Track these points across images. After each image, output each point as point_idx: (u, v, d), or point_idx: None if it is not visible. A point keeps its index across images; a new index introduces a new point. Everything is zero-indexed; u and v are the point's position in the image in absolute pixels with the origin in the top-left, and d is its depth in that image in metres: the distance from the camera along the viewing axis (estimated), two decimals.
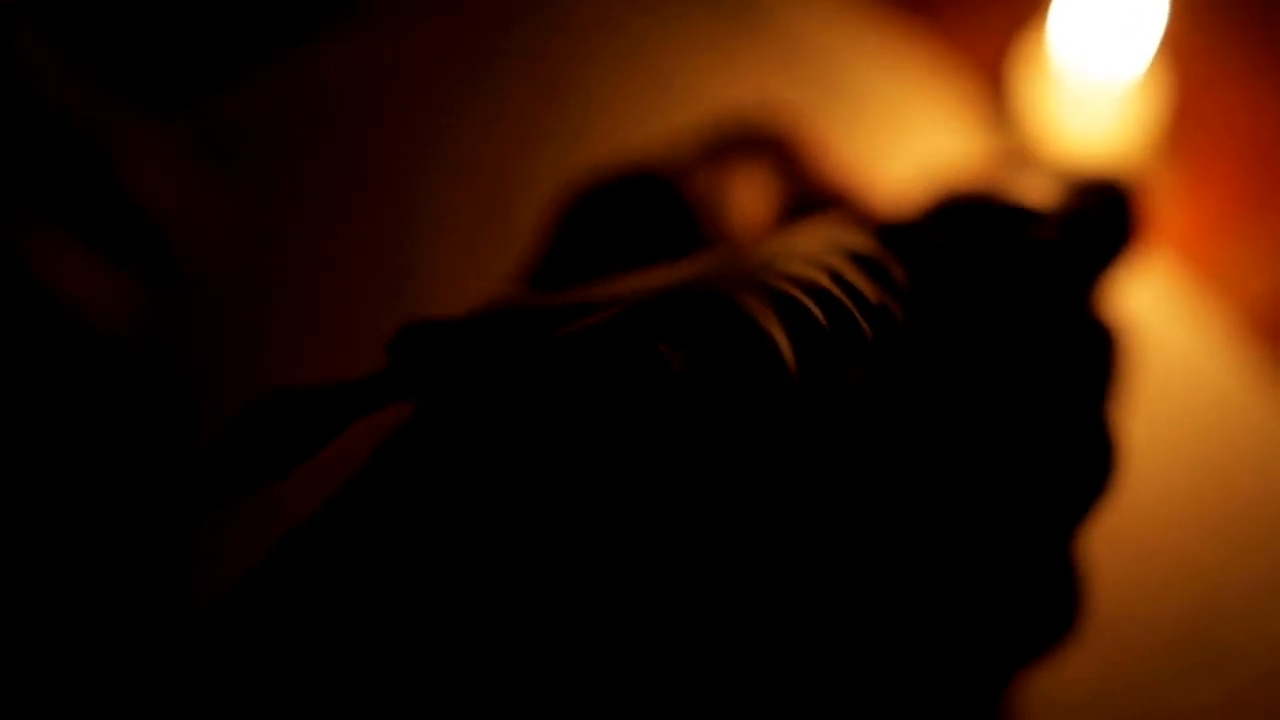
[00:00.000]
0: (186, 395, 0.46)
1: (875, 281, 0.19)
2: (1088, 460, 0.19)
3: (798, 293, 0.18)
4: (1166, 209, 0.47)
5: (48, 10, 0.51)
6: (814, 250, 0.19)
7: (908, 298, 0.19)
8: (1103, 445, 0.19)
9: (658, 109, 0.51)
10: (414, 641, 0.16)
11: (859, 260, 0.19)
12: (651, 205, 0.25)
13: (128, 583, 0.43)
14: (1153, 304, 0.44)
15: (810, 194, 0.27)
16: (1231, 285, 0.45)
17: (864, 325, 0.18)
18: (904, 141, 0.49)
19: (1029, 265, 0.20)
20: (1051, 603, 0.19)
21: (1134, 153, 0.47)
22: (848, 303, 0.18)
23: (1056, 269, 0.21)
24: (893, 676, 0.18)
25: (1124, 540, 0.38)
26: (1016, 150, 0.48)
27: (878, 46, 0.51)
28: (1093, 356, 0.21)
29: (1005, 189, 0.22)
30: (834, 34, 0.51)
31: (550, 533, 0.16)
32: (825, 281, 0.18)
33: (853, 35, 0.51)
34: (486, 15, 0.53)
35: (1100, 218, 0.22)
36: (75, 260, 0.47)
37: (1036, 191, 0.22)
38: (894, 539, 0.18)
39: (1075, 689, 0.35)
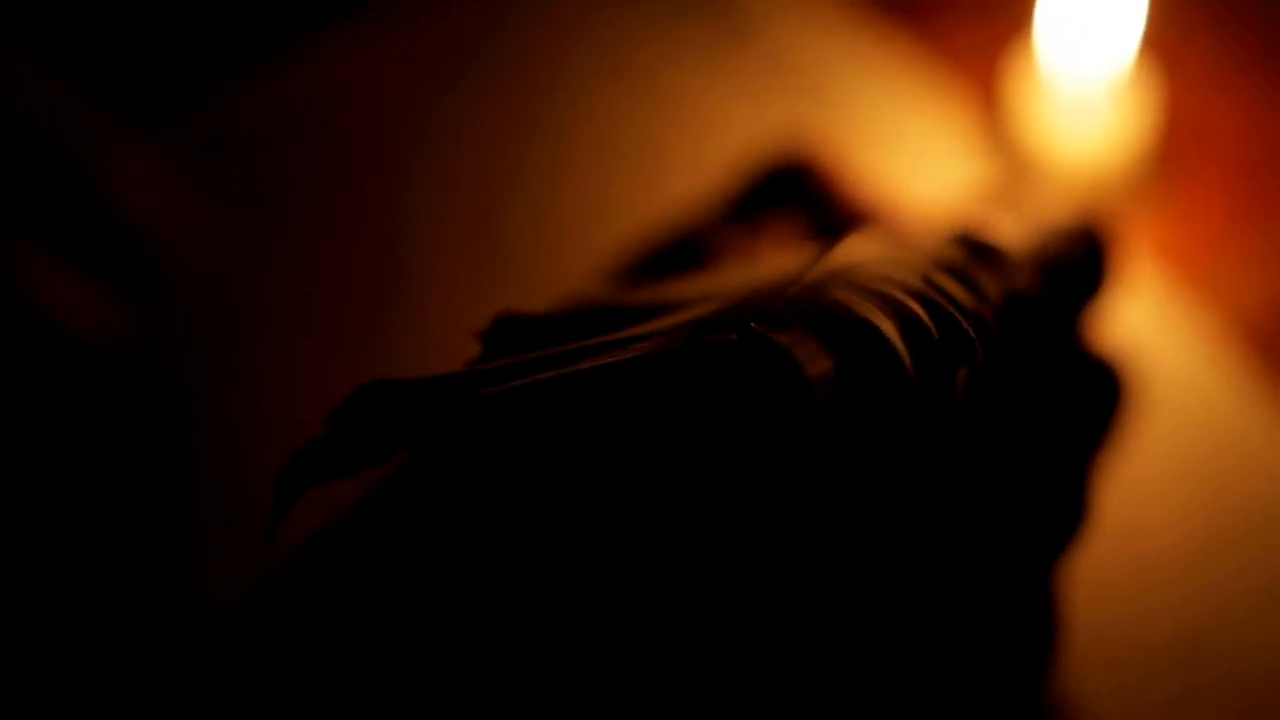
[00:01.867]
0: (177, 404, 0.46)
1: (969, 290, 0.18)
2: (1060, 508, 0.19)
3: (909, 300, 0.17)
4: (1157, 218, 0.47)
5: (32, 24, 0.50)
6: (906, 258, 0.19)
7: (996, 306, 0.19)
8: (1075, 496, 0.19)
9: (642, 110, 0.51)
10: (415, 650, 0.16)
11: (950, 270, 0.19)
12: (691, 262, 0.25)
13: (121, 586, 0.43)
14: (1143, 316, 0.44)
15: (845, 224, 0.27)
16: (1223, 295, 0.44)
17: (969, 331, 0.18)
18: (898, 154, 0.49)
19: (1016, 315, 0.20)
20: (1023, 630, 0.19)
21: (1123, 158, 0.47)
22: (953, 310, 0.18)
23: (1039, 317, 0.21)
24: (885, 698, 0.18)
25: (1117, 559, 0.38)
26: (1007, 170, 0.48)
27: (870, 58, 0.50)
28: (1088, 396, 0.21)
29: (986, 231, 0.21)
30: (824, 45, 0.51)
31: (559, 553, 0.16)
32: (921, 286, 0.18)
33: (843, 47, 0.51)
34: (469, 21, 0.53)
35: (1078, 264, 0.22)
36: (64, 274, 0.47)
37: (1015, 233, 0.22)
38: (892, 559, 0.18)
39: (1077, 715, 0.35)
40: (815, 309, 0.17)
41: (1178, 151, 0.48)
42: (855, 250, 0.19)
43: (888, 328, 0.17)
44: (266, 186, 0.50)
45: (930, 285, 0.18)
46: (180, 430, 0.46)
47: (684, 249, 0.26)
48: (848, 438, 0.17)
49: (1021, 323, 0.20)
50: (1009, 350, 0.20)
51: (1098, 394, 0.22)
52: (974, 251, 0.20)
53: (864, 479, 0.17)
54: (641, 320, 0.19)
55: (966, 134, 0.49)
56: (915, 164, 0.48)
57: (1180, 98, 0.48)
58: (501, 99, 0.51)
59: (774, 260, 0.21)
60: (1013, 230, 0.22)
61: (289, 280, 0.49)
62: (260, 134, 0.51)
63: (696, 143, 0.50)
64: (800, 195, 0.27)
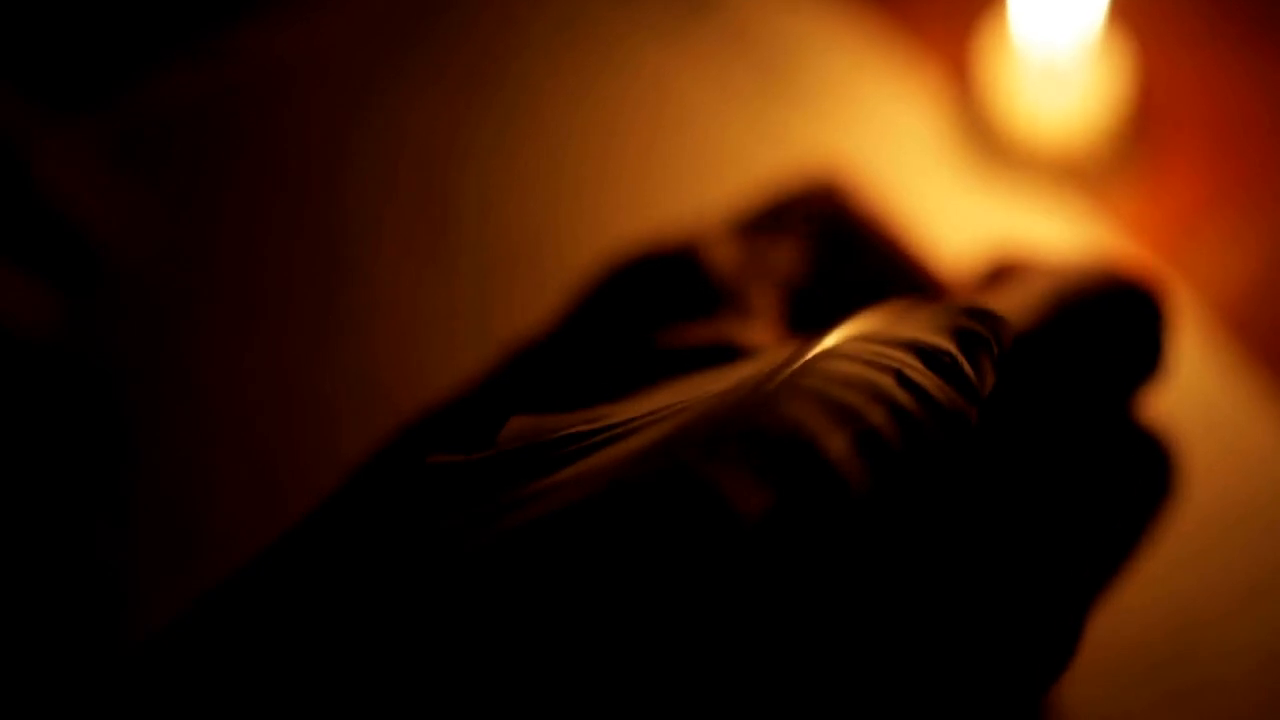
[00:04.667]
0: (113, 400, 0.45)
1: (944, 379, 0.17)
2: (1048, 644, 0.18)
3: (872, 409, 0.16)
4: (1130, 195, 0.45)
5: None
6: (874, 348, 0.18)
7: (978, 397, 0.18)
8: (1069, 628, 0.18)
9: (599, 84, 0.49)
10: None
11: (925, 354, 0.18)
12: (683, 283, 0.23)
13: (54, 600, 0.42)
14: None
15: (861, 261, 0.25)
16: (1199, 275, 0.43)
17: (934, 433, 0.17)
18: (869, 130, 0.47)
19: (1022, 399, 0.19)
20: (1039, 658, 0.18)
21: (1096, 131, 0.46)
22: (917, 410, 0.17)
23: (1062, 393, 0.20)
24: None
25: None
26: (979, 144, 0.46)
27: (838, 32, 0.49)
28: (1114, 499, 0.21)
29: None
30: (790, 21, 0.49)
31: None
32: (890, 386, 0.17)
33: (811, 22, 0.49)
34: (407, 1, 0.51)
35: (1119, 331, 0.21)
36: None
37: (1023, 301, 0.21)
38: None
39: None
40: (760, 431, 0.16)
41: (1151, 124, 0.47)
42: (828, 346, 0.18)
43: (837, 447, 0.16)
44: (203, 172, 0.48)
45: (904, 384, 0.17)
46: (117, 428, 0.45)
47: (675, 274, 0.24)
48: (795, 565, 0.16)
49: (1030, 404, 0.19)
50: (1013, 436, 0.19)
51: (1127, 497, 0.21)
52: (967, 329, 0.18)
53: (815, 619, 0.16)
54: (584, 447, 0.18)
55: (938, 108, 0.48)
56: (886, 139, 0.47)
57: (1154, 68, 0.47)
58: (450, 75, 0.50)
59: (732, 371, 0.19)
60: (1021, 297, 0.20)
61: (229, 268, 0.47)
62: (194, 117, 0.49)
63: (653, 118, 0.48)
64: (810, 225, 0.25)
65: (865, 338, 0.18)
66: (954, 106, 0.47)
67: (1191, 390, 0.40)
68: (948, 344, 0.18)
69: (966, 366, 0.18)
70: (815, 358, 0.18)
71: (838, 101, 0.48)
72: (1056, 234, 0.44)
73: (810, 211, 0.25)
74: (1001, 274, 0.24)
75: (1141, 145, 0.46)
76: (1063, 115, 0.45)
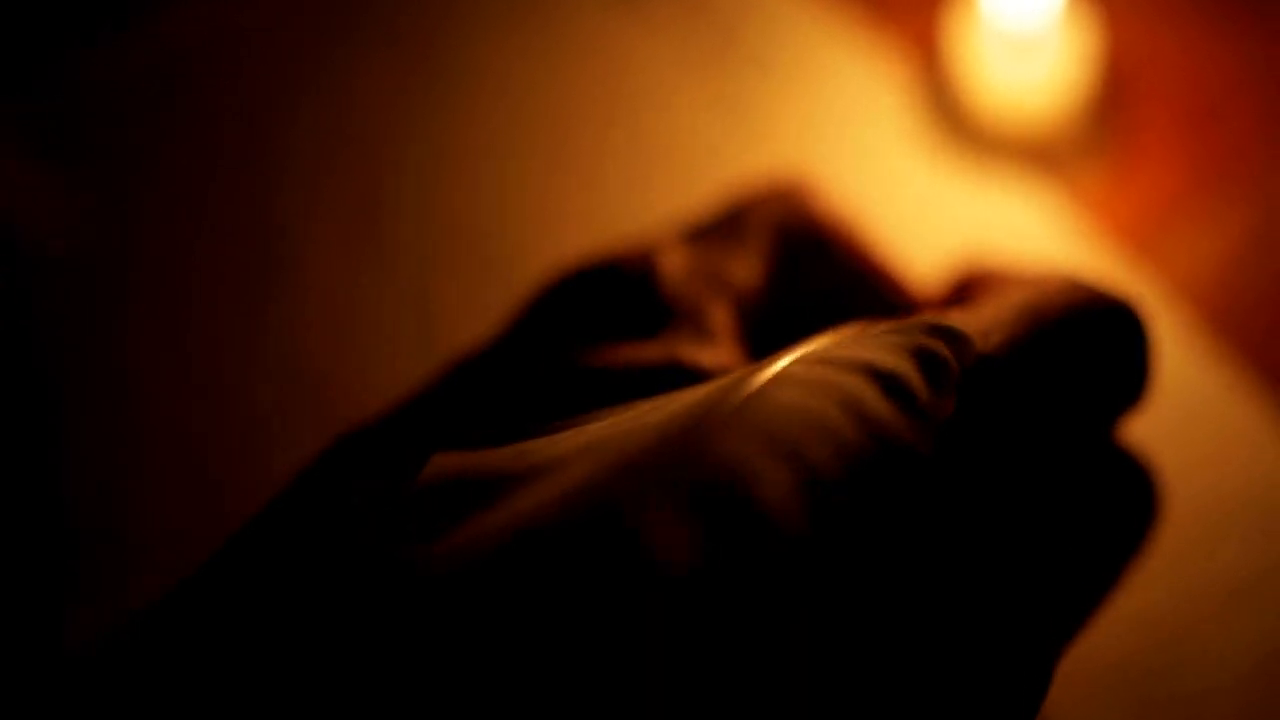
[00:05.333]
0: (36, 392, 0.44)
1: (899, 406, 0.17)
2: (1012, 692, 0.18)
3: (816, 449, 0.16)
4: (1100, 176, 0.44)
5: None
6: (826, 374, 0.17)
7: (935, 424, 0.17)
8: (1035, 679, 0.18)
9: (548, 61, 0.48)
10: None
11: (880, 378, 0.17)
12: (632, 297, 0.22)
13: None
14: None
15: (826, 273, 0.24)
16: (1171, 260, 0.42)
17: (883, 469, 0.16)
18: (835, 108, 0.46)
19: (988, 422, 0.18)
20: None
21: (1066, 107, 0.44)
22: (865, 445, 0.16)
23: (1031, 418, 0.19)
24: None
25: None
26: (945, 120, 0.45)
27: (803, 9, 0.48)
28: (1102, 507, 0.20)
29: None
30: (760, 6, 0.48)
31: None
32: (838, 419, 0.16)
33: (781, 8, 0.47)
34: None
35: (1106, 349, 0.20)
36: None
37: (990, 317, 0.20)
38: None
39: None
40: (694, 473, 0.15)
41: (1123, 101, 0.45)
42: (778, 371, 0.17)
43: (775, 490, 0.15)
44: (130, 157, 0.47)
45: (853, 415, 0.16)
46: (42, 423, 0.43)
47: (624, 286, 0.22)
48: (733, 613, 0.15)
49: (994, 431, 0.18)
50: (981, 464, 0.18)
51: (1105, 532, 0.20)
52: (927, 350, 0.18)
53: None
54: (511, 486, 0.17)
55: (904, 85, 0.46)
56: (850, 118, 0.46)
57: (1126, 41, 0.46)
58: (392, 56, 0.48)
59: (679, 397, 0.18)
60: (993, 314, 0.19)
61: (158, 256, 0.45)
62: (120, 99, 0.47)
63: (609, 101, 0.47)
64: (769, 233, 0.24)
65: (819, 359, 0.18)
66: (920, 83, 0.46)
67: (1165, 386, 0.39)
68: (906, 366, 0.17)
69: (924, 393, 0.17)
70: (763, 386, 0.17)
71: (800, 78, 0.47)
72: (1023, 219, 0.43)
73: (770, 218, 0.24)
74: (972, 284, 0.23)
75: (1113, 123, 0.45)
76: (1031, 92, 0.44)
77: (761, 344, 0.22)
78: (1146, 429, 0.35)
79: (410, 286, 0.43)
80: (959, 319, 0.19)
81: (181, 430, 0.42)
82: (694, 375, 0.20)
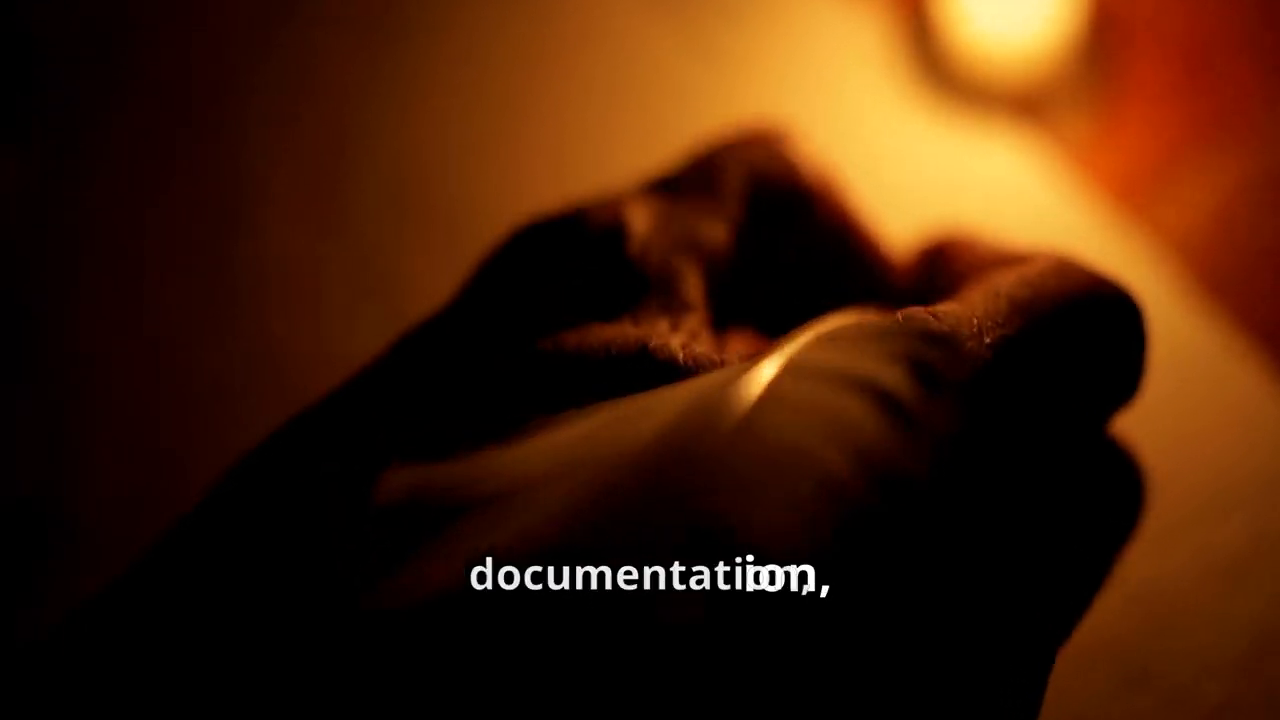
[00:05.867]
0: None
1: (896, 428, 0.16)
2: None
3: (807, 490, 0.15)
4: (1089, 130, 0.43)
5: None
6: (820, 396, 0.16)
7: (930, 436, 0.17)
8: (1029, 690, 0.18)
9: (515, 25, 0.46)
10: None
11: (878, 398, 0.16)
12: (596, 263, 0.21)
13: None
14: (1075, 239, 0.40)
15: (809, 236, 0.23)
16: (1166, 221, 0.40)
17: (888, 515, 0.16)
18: (811, 54, 0.45)
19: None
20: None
21: (1053, 55, 0.43)
22: (867, 490, 0.16)
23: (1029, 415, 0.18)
24: None
25: None
26: (929, 69, 0.43)
27: None
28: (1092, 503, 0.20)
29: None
30: None
31: None
32: (838, 462, 0.16)
33: None
34: None
35: (1101, 344, 0.19)
36: None
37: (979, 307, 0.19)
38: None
39: None
40: (683, 532, 0.15)
41: (1114, 46, 0.44)
42: (766, 387, 0.16)
43: (776, 539, 0.15)
44: (82, 120, 0.45)
45: (852, 454, 0.16)
46: None
47: (586, 251, 0.21)
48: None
49: (992, 437, 0.17)
50: (971, 467, 0.17)
51: (1095, 532, 0.20)
52: (924, 362, 0.17)
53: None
54: (469, 514, 0.16)
55: (882, 26, 0.45)
56: (827, 62, 0.44)
57: None
58: (354, 7, 0.47)
59: (649, 405, 0.17)
60: (982, 302, 0.19)
61: (111, 222, 0.44)
62: (71, 57, 0.45)
63: (579, 44, 0.45)
64: (744, 189, 0.23)
65: (811, 372, 0.17)
66: (900, 28, 0.45)
67: (1157, 350, 0.37)
68: (901, 380, 0.17)
69: (920, 406, 0.17)
70: (754, 412, 0.16)
71: (777, 21, 0.45)
72: (1008, 171, 0.42)
73: (743, 170, 0.23)
74: (954, 254, 0.23)
75: (1103, 71, 0.43)
76: (1017, 38, 0.43)
77: (732, 310, 0.22)
78: (1138, 399, 0.34)
79: (373, 253, 0.42)
80: (950, 315, 0.18)
81: (134, 399, 0.41)
82: (666, 365, 0.19)
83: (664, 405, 0.17)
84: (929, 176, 0.42)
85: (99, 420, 0.40)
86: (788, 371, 0.17)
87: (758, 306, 0.23)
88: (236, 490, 0.19)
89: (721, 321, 0.21)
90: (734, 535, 0.15)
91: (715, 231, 0.21)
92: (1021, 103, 0.43)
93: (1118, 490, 0.21)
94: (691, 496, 0.15)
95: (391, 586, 0.15)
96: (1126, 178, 0.41)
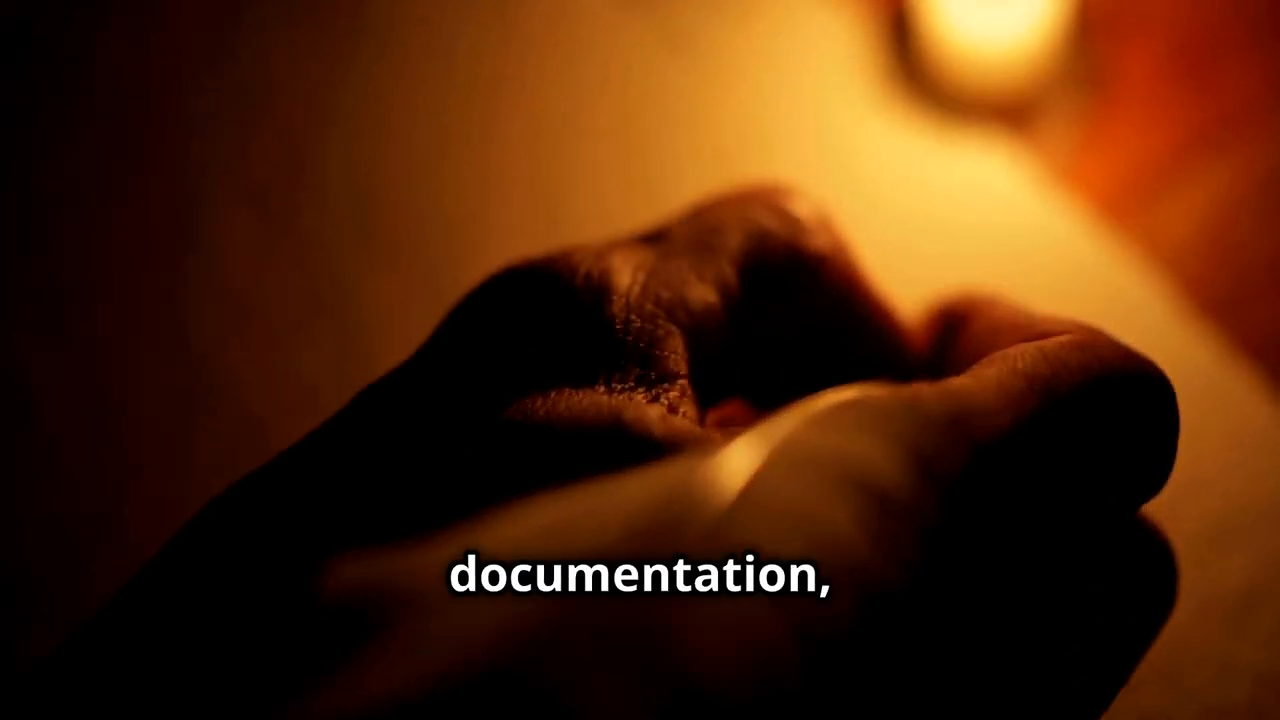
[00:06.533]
0: None
1: (886, 531, 0.15)
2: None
3: (779, 627, 0.14)
4: (1077, 140, 0.42)
5: None
6: (808, 497, 0.15)
7: (930, 533, 0.15)
8: None
9: (473, 20, 0.45)
10: None
11: (868, 495, 0.15)
12: (569, 323, 0.19)
13: None
14: (1061, 261, 0.39)
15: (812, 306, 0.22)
16: (1154, 232, 0.39)
17: (859, 633, 0.15)
18: (789, 57, 0.44)
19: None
20: None
21: (1038, 60, 0.42)
22: (850, 617, 0.14)
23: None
24: None
25: None
26: (909, 70, 0.42)
27: None
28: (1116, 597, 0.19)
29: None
30: None
31: None
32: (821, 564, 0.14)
33: None
34: None
35: (1129, 429, 0.18)
36: None
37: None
38: None
39: None
40: (643, 662, 0.14)
41: (1102, 51, 0.43)
42: (749, 483, 0.15)
43: (743, 690, 0.13)
44: (26, 126, 0.43)
45: (840, 577, 0.14)
46: None
47: (560, 309, 0.19)
48: None
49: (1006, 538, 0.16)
50: (988, 560, 0.16)
51: (1122, 630, 0.19)
52: (932, 456, 0.16)
53: None
54: (415, 614, 0.15)
55: (861, 28, 0.44)
56: (804, 64, 0.43)
57: None
58: (315, 5, 0.45)
59: (620, 490, 0.16)
60: (997, 381, 0.17)
61: (57, 236, 0.42)
62: (18, 60, 0.44)
63: (550, 40, 0.44)
64: (738, 247, 0.21)
65: (801, 457, 0.15)
66: (880, 29, 0.44)
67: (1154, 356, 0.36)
68: (900, 475, 0.15)
69: (919, 502, 0.15)
70: (728, 517, 0.15)
71: (754, 19, 0.44)
72: (990, 181, 0.41)
73: (740, 230, 0.21)
74: (971, 322, 0.21)
75: (1090, 76, 0.43)
76: (1000, 41, 0.41)
77: (722, 383, 0.20)
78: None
79: (328, 269, 0.40)
80: (963, 393, 0.17)
81: (81, 418, 0.39)
82: (640, 445, 0.17)
83: (631, 498, 0.15)
84: (904, 187, 0.41)
85: (41, 443, 0.38)
86: (773, 462, 0.15)
87: (752, 380, 0.22)
88: (171, 574, 0.18)
89: (710, 395, 0.20)
90: (684, 679, 0.13)
91: (706, 295, 0.20)
92: (1005, 108, 0.42)
93: (1145, 582, 0.19)
94: (645, 626, 0.14)
95: (332, 693, 0.14)
96: (1114, 187, 0.40)
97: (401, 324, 0.39)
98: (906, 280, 0.38)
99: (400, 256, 0.40)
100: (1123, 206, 0.40)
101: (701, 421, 0.19)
